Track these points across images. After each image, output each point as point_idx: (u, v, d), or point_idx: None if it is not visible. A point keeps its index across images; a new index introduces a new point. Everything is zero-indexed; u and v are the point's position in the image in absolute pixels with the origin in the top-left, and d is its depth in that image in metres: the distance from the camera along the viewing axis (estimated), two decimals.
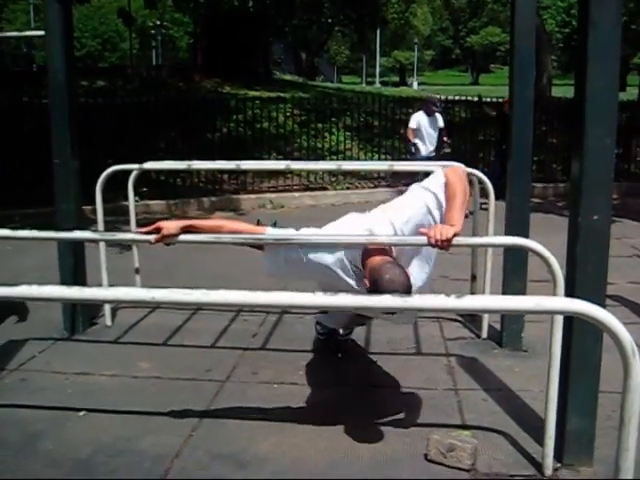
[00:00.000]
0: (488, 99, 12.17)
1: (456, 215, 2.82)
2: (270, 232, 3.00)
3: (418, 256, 3.12)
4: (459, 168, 3.11)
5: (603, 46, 2.58)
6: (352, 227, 3.05)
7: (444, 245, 2.68)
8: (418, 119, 9.98)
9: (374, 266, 2.77)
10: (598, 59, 2.59)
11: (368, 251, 2.88)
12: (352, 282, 2.99)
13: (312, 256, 2.98)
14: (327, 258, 2.98)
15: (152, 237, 2.91)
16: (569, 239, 2.77)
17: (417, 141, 9.92)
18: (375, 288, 2.66)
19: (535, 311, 1.87)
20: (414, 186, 3.16)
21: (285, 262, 3.01)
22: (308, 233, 2.98)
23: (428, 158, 9.66)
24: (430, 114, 9.92)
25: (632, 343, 1.71)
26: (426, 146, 9.92)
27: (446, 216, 2.88)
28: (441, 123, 10.01)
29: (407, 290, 2.65)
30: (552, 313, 2.46)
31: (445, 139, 10.08)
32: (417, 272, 3.11)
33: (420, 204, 3.02)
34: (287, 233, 2.98)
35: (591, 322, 1.77)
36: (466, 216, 6.71)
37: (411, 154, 10.01)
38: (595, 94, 2.61)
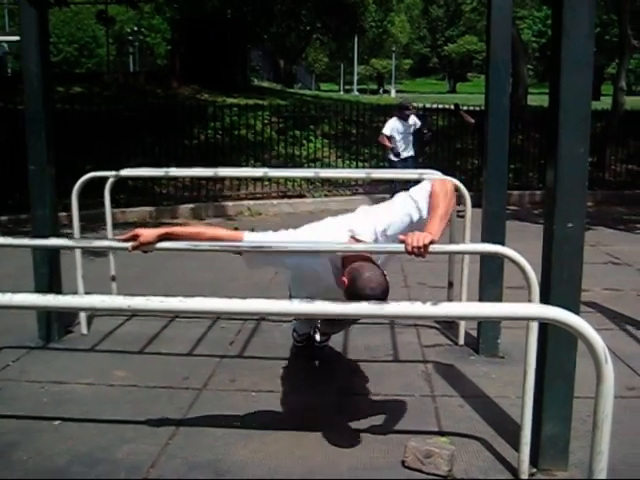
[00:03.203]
0: (465, 107, 12.26)
1: (435, 224, 2.82)
2: (248, 238, 2.99)
3: (392, 259, 3.18)
4: (448, 182, 3.12)
5: (576, 56, 2.62)
6: (333, 227, 3.07)
7: (420, 252, 2.69)
8: (392, 125, 10.04)
9: (354, 266, 2.80)
10: (572, 69, 2.63)
11: (349, 256, 2.90)
12: (332, 281, 3.01)
13: (293, 259, 3.01)
14: (308, 259, 3.01)
15: (129, 244, 2.90)
16: (544, 246, 2.81)
17: (391, 148, 10.00)
18: (353, 287, 2.71)
19: (510, 317, 1.88)
20: (401, 194, 3.18)
21: (265, 263, 3.05)
22: (287, 240, 2.97)
23: (405, 160, 9.76)
24: (404, 118, 10.00)
25: (604, 349, 1.73)
26: (400, 152, 9.98)
27: (426, 225, 2.89)
28: (418, 123, 10.11)
29: (385, 290, 2.70)
30: (527, 320, 2.49)
31: (425, 131, 10.18)
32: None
33: (403, 212, 3.04)
34: (265, 239, 2.98)
35: (565, 328, 1.79)
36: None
37: (389, 161, 10.07)
38: (569, 104, 2.64)
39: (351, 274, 2.77)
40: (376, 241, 2.98)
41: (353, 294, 2.70)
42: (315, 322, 3.94)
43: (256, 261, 3.08)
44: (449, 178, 4.45)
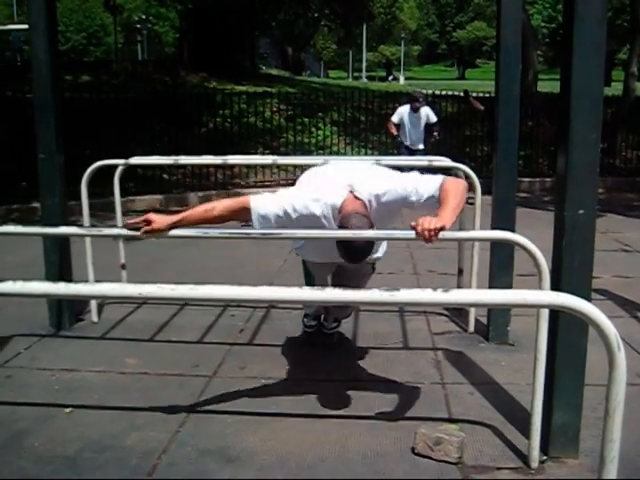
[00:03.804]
0: (475, 94, 12.18)
1: (448, 213, 2.80)
2: (254, 201, 3.05)
3: (391, 215, 3.22)
4: (462, 182, 3.11)
5: (588, 41, 2.59)
6: (334, 182, 3.12)
7: (430, 235, 2.68)
8: (401, 113, 9.97)
9: (344, 214, 2.95)
10: (583, 54, 2.60)
11: (347, 200, 3.00)
12: (333, 226, 3.08)
13: (300, 210, 3.05)
14: (314, 208, 3.06)
15: (142, 230, 2.90)
16: (555, 233, 2.79)
17: (399, 136, 9.93)
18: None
19: (521, 305, 1.88)
20: (414, 172, 3.21)
21: (275, 222, 3.06)
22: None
23: (414, 153, 9.67)
24: (414, 110, 9.91)
25: (617, 336, 1.72)
26: (408, 140, 9.91)
27: (438, 213, 2.86)
28: (433, 118, 9.97)
29: (363, 245, 2.88)
30: (538, 307, 2.47)
31: (435, 134, 10.05)
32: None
33: (402, 187, 3.05)
34: (269, 200, 3.07)
35: (577, 315, 1.78)
36: None
37: (399, 150, 10.02)
38: (581, 89, 2.62)
39: (341, 222, 2.93)
40: (370, 202, 3.04)
41: (338, 243, 2.90)
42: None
43: (266, 223, 3.08)
44: (459, 165, 4.46)
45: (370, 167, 3.35)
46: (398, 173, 3.21)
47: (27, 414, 3.26)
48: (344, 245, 2.91)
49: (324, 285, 3.90)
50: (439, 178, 3.02)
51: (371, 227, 2.88)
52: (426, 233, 2.68)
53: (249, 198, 3.07)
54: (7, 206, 8.77)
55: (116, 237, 4.48)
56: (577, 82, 2.62)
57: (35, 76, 4.22)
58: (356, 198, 3.01)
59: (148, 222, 2.90)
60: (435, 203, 2.97)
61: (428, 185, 3.00)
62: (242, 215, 3.07)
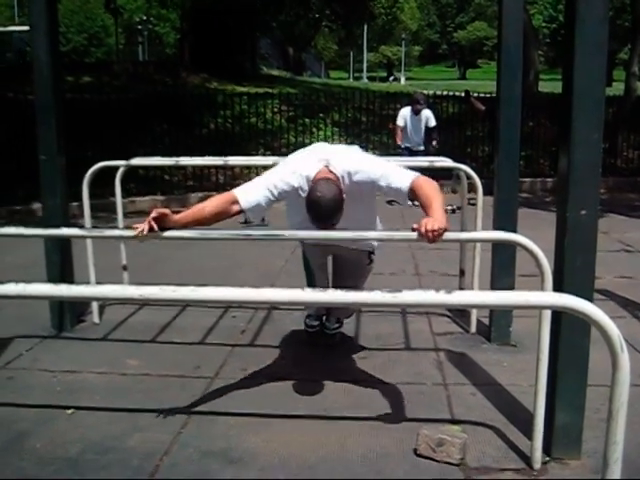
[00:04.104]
0: (476, 94, 12.17)
1: (441, 214, 2.82)
2: (239, 193, 3.15)
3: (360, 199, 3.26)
4: (433, 181, 3.14)
5: (590, 41, 2.59)
6: (309, 156, 3.26)
7: (434, 236, 2.69)
8: (404, 115, 9.99)
9: (314, 182, 3.08)
10: (585, 54, 2.60)
11: (320, 172, 3.12)
12: None
13: (281, 186, 3.17)
14: (291, 180, 3.18)
15: (145, 226, 2.89)
16: (557, 234, 2.78)
17: (400, 142, 9.98)
18: (306, 198, 3.02)
19: (524, 306, 1.87)
20: (391, 163, 3.35)
21: (265, 205, 3.19)
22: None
23: (412, 153, 9.68)
24: (416, 113, 9.91)
25: (620, 337, 1.72)
26: (410, 142, 9.92)
27: (431, 215, 2.86)
28: (432, 122, 9.96)
29: (329, 207, 2.97)
30: (541, 308, 2.47)
31: (434, 143, 10.02)
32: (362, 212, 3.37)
33: (372, 171, 3.14)
34: (252, 185, 3.20)
35: (579, 317, 1.78)
36: (453, 211, 6.82)
37: (400, 151, 10.04)
38: (582, 89, 2.62)
39: (309, 188, 3.06)
40: (343, 178, 3.13)
41: (306, 204, 3.02)
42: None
43: (258, 209, 3.21)
44: (460, 165, 4.46)
45: (349, 148, 3.46)
46: (375, 158, 3.34)
47: (28, 415, 3.26)
48: (311, 205, 2.99)
49: (323, 278, 3.98)
50: (411, 174, 3.11)
51: (340, 195, 2.99)
52: (430, 234, 2.69)
53: (234, 193, 3.16)
54: (8, 207, 8.77)
55: (117, 238, 4.48)
56: (579, 82, 2.61)
57: (36, 77, 4.22)
58: (329, 172, 3.11)
59: (159, 217, 2.89)
60: (403, 195, 3.07)
61: (398, 176, 3.10)
62: (232, 209, 3.15)
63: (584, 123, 2.62)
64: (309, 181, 3.13)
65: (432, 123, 9.96)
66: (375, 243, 3.71)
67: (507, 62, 4.00)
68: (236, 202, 3.14)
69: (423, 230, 2.70)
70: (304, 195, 3.13)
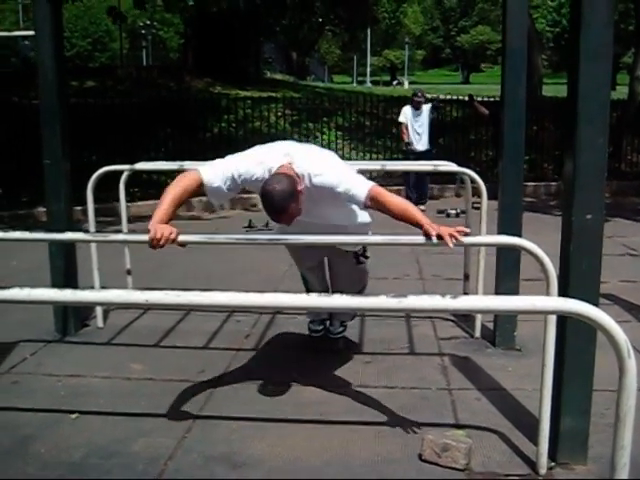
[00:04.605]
0: (479, 98, 12.17)
1: (426, 219, 2.92)
2: (204, 172, 3.16)
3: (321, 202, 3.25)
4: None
5: (595, 45, 2.58)
6: (273, 149, 3.26)
7: (457, 238, 2.80)
8: (405, 112, 10.05)
9: (275, 172, 3.09)
10: (590, 58, 2.59)
11: (282, 167, 3.10)
12: None
13: (244, 174, 3.18)
14: (255, 170, 3.17)
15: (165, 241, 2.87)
16: (562, 238, 2.78)
17: (407, 140, 9.99)
18: (261, 188, 3.00)
19: (530, 311, 1.87)
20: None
21: (226, 189, 3.20)
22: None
23: (419, 155, 9.68)
24: (416, 107, 9.95)
25: (627, 342, 1.71)
26: (412, 142, 9.94)
27: (420, 220, 2.92)
28: (431, 113, 10.05)
29: (277, 200, 2.95)
30: (547, 313, 2.46)
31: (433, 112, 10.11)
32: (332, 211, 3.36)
33: (334, 174, 3.12)
34: (217, 167, 3.20)
35: (586, 321, 1.77)
36: (457, 215, 6.82)
37: (404, 153, 10.06)
38: (587, 93, 2.61)
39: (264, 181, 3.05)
40: (304, 177, 3.12)
41: (260, 196, 3.03)
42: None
43: (219, 192, 3.22)
44: (464, 169, 4.45)
45: (319, 151, 3.44)
46: (340, 164, 3.31)
47: (33, 420, 3.25)
48: (263, 197, 2.99)
49: (315, 282, 4.03)
50: (370, 183, 3.11)
51: (293, 189, 2.97)
52: (453, 239, 2.77)
53: (200, 173, 3.16)
54: (12, 211, 8.78)
55: (122, 243, 4.48)
56: (584, 86, 2.61)
57: (41, 82, 4.23)
58: (291, 169, 3.11)
59: (165, 237, 2.87)
60: (360, 204, 3.10)
61: (357, 184, 3.10)
62: (199, 190, 3.18)
63: (589, 127, 2.62)
64: (270, 172, 3.14)
65: (430, 115, 10.05)
66: (356, 242, 3.69)
67: (511, 66, 4.00)
68: (201, 184, 3.15)
69: (444, 232, 2.77)
70: (258, 175, 3.17)
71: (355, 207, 3.34)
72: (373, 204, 3.05)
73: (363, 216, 3.57)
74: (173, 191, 3.08)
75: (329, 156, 3.39)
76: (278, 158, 3.16)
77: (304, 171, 3.12)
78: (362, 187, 3.06)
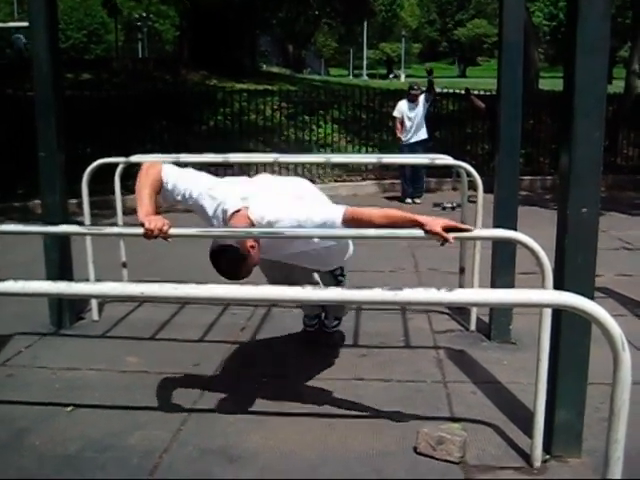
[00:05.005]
0: (476, 92, 12.15)
1: (411, 214, 2.92)
2: (166, 169, 3.22)
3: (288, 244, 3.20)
4: None
5: (592, 39, 2.58)
6: (234, 190, 3.18)
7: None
8: (400, 107, 10.07)
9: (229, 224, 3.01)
10: (587, 52, 2.59)
11: (234, 215, 3.04)
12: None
13: (196, 199, 3.19)
14: (207, 205, 3.17)
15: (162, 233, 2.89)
16: (558, 232, 2.78)
17: (400, 135, 10.03)
18: (211, 251, 2.90)
19: (526, 304, 1.87)
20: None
21: (174, 199, 3.25)
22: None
23: (413, 146, 9.71)
24: (412, 100, 9.96)
25: (622, 336, 1.71)
26: (407, 136, 9.95)
27: (411, 218, 2.91)
28: (424, 105, 10.05)
29: (225, 267, 2.88)
30: (542, 306, 2.46)
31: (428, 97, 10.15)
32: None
33: (296, 217, 3.01)
34: (180, 176, 3.23)
35: (581, 315, 1.77)
36: (453, 208, 6.83)
37: (399, 146, 10.09)
38: (584, 87, 2.61)
39: (213, 243, 2.94)
40: (259, 224, 3.02)
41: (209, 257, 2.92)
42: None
43: (167, 197, 3.26)
44: (460, 163, 4.45)
45: (283, 190, 3.32)
46: (306, 200, 3.25)
47: (28, 413, 3.25)
48: (213, 263, 2.91)
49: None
50: (341, 207, 3.04)
51: (240, 257, 2.86)
52: (450, 236, 2.75)
53: (162, 173, 3.19)
54: (6, 204, 8.75)
55: (117, 236, 4.47)
56: (580, 80, 2.60)
57: (36, 74, 4.21)
58: (247, 216, 3.02)
59: (158, 228, 2.88)
60: (337, 227, 3.01)
61: (328, 213, 3.04)
62: (160, 186, 3.20)
63: (585, 121, 2.62)
64: (225, 215, 3.08)
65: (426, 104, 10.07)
66: (329, 267, 3.68)
67: (508, 59, 3.99)
68: (161, 185, 3.19)
69: (440, 232, 2.73)
70: (217, 225, 3.14)
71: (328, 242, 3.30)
72: (353, 223, 2.97)
73: (340, 243, 3.51)
74: (146, 190, 3.14)
75: (295, 192, 3.32)
76: (234, 202, 3.08)
77: (260, 219, 3.02)
78: (335, 213, 3.00)
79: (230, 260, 2.86)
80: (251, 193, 3.16)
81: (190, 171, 3.32)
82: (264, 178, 3.49)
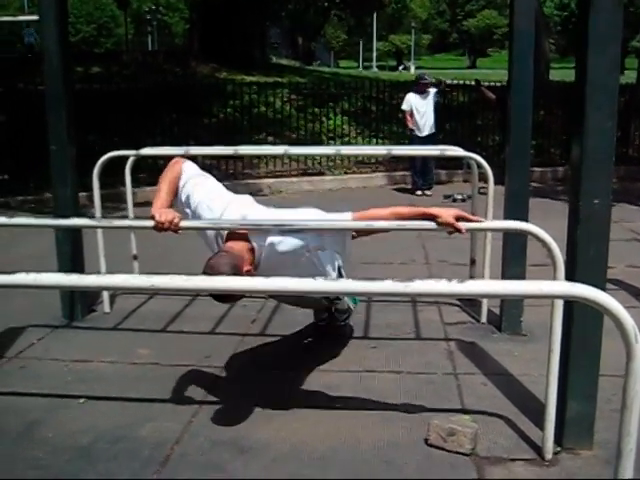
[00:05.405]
0: (486, 83, 12.09)
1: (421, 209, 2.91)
2: (185, 165, 3.22)
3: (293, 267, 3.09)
4: None
5: (604, 29, 2.55)
6: (235, 211, 3.09)
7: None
8: (410, 101, 9.97)
9: (225, 246, 2.94)
10: (599, 42, 2.56)
11: (231, 235, 2.99)
12: (218, 246, 3.11)
13: (200, 209, 3.13)
14: (205, 215, 3.12)
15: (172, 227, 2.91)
16: (569, 223, 2.76)
17: (412, 126, 9.95)
18: (204, 269, 2.77)
19: (538, 295, 1.86)
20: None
21: (181, 205, 3.21)
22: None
23: (425, 139, 9.64)
24: (422, 92, 9.88)
25: (635, 328, 1.70)
26: (420, 129, 9.90)
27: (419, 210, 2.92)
28: (434, 99, 10.00)
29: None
30: (554, 297, 2.45)
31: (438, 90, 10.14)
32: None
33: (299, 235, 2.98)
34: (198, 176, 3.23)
35: (593, 306, 1.76)
36: (463, 200, 6.81)
37: (410, 138, 10.03)
38: (596, 77, 2.58)
39: (213, 254, 2.91)
40: (261, 247, 2.98)
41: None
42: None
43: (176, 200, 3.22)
44: (471, 154, 4.43)
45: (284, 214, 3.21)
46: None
47: (40, 404, 3.27)
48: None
49: None
50: (346, 214, 3.01)
51: (235, 271, 2.75)
52: (461, 227, 2.77)
53: (182, 175, 3.18)
54: (19, 197, 8.80)
55: (128, 228, 4.48)
56: (593, 70, 2.58)
57: (46, 68, 4.22)
58: (245, 238, 2.96)
59: (169, 221, 2.90)
60: (347, 234, 3.06)
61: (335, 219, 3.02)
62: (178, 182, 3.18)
63: (597, 111, 2.59)
64: (224, 234, 3.05)
65: (436, 98, 10.03)
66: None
67: (518, 49, 3.97)
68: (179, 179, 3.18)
69: (453, 222, 2.75)
70: (215, 243, 3.14)
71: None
72: (363, 229, 2.97)
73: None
74: (165, 184, 3.15)
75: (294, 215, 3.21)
76: (232, 218, 3.05)
77: (260, 241, 2.97)
78: (342, 218, 2.99)
79: (226, 270, 2.73)
80: (249, 211, 3.11)
81: (207, 177, 3.27)
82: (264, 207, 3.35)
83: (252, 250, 2.97)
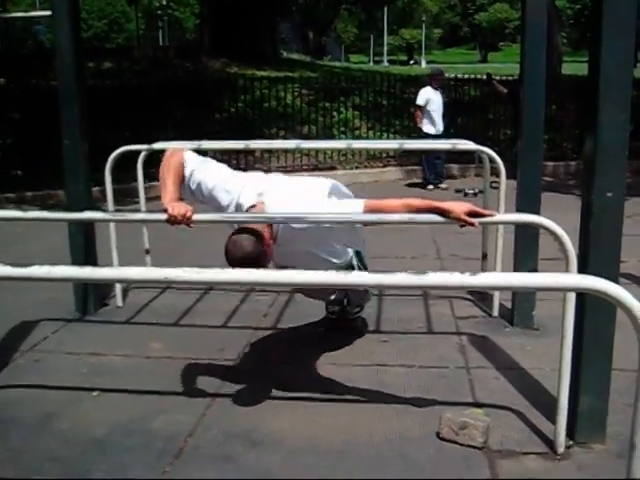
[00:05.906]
0: (498, 77, 12.02)
1: (433, 203, 2.89)
2: (188, 155, 3.25)
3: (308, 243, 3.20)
4: None
5: (618, 22, 2.54)
6: (249, 183, 3.18)
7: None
8: (426, 96, 9.88)
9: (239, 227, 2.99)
10: (612, 35, 2.55)
11: (249, 210, 3.07)
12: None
13: (211, 190, 3.20)
14: (222, 197, 3.18)
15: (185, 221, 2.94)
16: (582, 217, 2.75)
17: (425, 121, 9.89)
18: (226, 245, 2.91)
19: (551, 288, 1.86)
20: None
21: (191, 193, 3.25)
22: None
23: (437, 136, 9.59)
24: (437, 87, 9.82)
25: None
26: (436, 125, 9.84)
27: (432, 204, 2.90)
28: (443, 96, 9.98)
29: (246, 257, 2.81)
30: (568, 290, 2.44)
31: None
32: (307, 256, 3.28)
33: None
34: (203, 165, 3.25)
35: (606, 299, 1.76)
36: (475, 194, 6.80)
37: (423, 134, 9.96)
38: (609, 71, 2.57)
39: (230, 236, 2.95)
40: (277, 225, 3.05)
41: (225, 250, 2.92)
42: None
43: (184, 188, 3.26)
44: (483, 148, 4.42)
45: (299, 188, 3.30)
46: (323, 195, 3.23)
47: (55, 397, 3.30)
48: (227, 255, 2.92)
49: None
50: (360, 200, 3.03)
51: (257, 250, 2.85)
52: (474, 220, 2.76)
53: (184, 160, 3.22)
54: (32, 192, 8.86)
55: (140, 222, 4.51)
56: (606, 63, 2.56)
57: (59, 64, 4.24)
58: (263, 211, 3.04)
59: (182, 214, 2.93)
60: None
61: (344, 207, 3.04)
62: (182, 172, 3.22)
63: (611, 105, 2.58)
64: (238, 207, 3.11)
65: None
66: (345, 258, 3.58)
67: (530, 42, 3.95)
68: (183, 172, 3.22)
69: (465, 218, 2.74)
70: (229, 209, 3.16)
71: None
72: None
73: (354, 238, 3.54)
74: (170, 176, 3.17)
75: (311, 189, 3.30)
76: (250, 197, 3.10)
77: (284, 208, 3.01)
78: (354, 207, 3.00)
79: (246, 255, 2.83)
80: (267, 188, 3.16)
81: (210, 161, 3.34)
82: (280, 176, 3.49)
83: (270, 224, 3.04)
